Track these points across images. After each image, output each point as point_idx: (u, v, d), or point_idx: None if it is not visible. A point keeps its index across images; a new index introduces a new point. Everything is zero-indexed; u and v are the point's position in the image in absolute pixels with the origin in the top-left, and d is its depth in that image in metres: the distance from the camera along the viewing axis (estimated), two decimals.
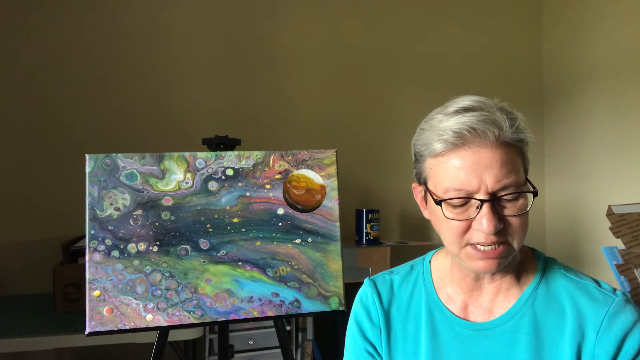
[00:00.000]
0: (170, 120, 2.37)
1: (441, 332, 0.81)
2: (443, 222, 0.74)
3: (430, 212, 0.79)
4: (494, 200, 0.70)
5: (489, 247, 0.72)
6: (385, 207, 2.58)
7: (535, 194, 0.72)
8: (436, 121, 0.73)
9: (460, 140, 0.70)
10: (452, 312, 0.81)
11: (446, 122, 0.71)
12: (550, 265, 0.81)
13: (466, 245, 0.73)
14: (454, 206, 0.72)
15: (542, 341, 0.75)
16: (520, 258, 0.81)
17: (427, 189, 0.77)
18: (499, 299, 0.79)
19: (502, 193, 0.70)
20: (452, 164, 0.71)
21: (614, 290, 0.75)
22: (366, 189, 2.62)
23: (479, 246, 0.72)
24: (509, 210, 0.71)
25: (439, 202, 0.73)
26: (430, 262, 0.89)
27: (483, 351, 0.77)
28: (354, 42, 2.63)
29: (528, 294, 0.78)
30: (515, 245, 0.73)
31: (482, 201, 0.69)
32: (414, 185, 0.83)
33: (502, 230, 0.71)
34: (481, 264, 0.72)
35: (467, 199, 0.71)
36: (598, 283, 0.77)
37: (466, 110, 0.71)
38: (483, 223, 0.69)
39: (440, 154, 0.72)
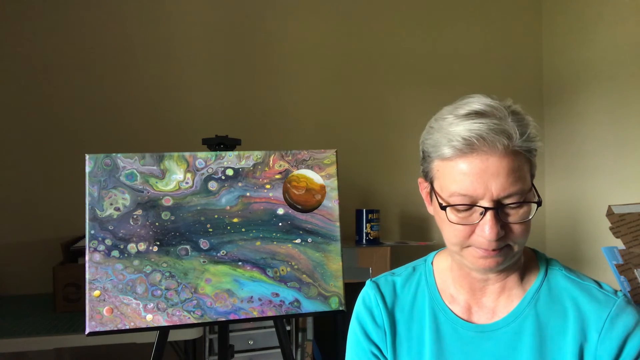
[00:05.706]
0: (170, 120, 2.37)
1: (445, 334, 0.81)
2: (446, 224, 0.75)
3: (435, 210, 0.79)
4: (498, 208, 0.70)
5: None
6: (385, 207, 2.58)
7: (539, 204, 0.72)
8: (446, 123, 0.72)
9: (468, 148, 0.69)
10: (455, 314, 0.82)
11: (456, 126, 0.70)
12: (552, 267, 0.82)
13: (468, 247, 0.74)
14: (458, 210, 0.72)
15: (545, 342, 0.75)
16: (523, 259, 0.81)
17: (432, 188, 0.77)
18: (502, 299, 0.80)
19: (506, 201, 0.70)
20: (459, 169, 0.70)
21: (615, 291, 0.76)
22: (366, 189, 2.62)
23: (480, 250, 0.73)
24: (512, 217, 0.71)
25: (443, 207, 0.73)
26: (432, 263, 0.89)
27: (487, 353, 0.77)
28: (353, 42, 2.62)
29: (531, 295, 0.79)
30: (517, 248, 0.74)
31: (486, 208, 0.70)
32: (420, 180, 0.82)
33: (503, 236, 0.71)
34: (481, 262, 0.73)
35: (471, 205, 0.71)
36: (599, 284, 0.78)
37: (477, 114, 0.70)
38: (485, 230, 0.70)
39: (448, 159, 0.72)
